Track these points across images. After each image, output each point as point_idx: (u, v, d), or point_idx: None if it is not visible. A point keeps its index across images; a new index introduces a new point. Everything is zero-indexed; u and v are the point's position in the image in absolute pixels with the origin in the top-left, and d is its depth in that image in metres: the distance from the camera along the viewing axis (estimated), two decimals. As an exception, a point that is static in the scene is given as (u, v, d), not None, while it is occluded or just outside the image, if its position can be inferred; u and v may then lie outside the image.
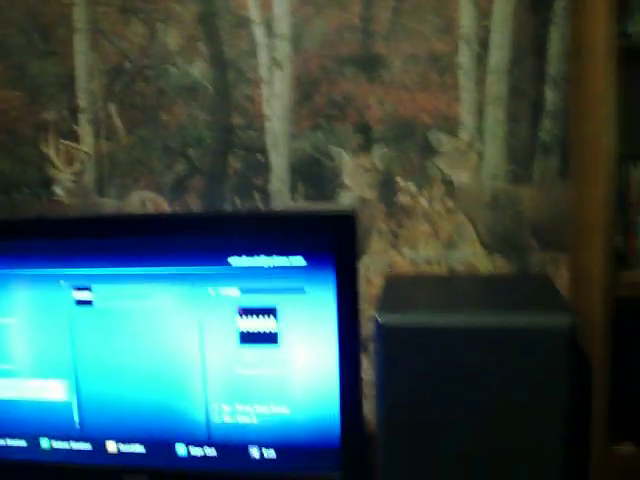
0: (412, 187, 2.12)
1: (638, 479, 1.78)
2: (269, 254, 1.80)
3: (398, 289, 1.91)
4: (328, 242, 1.78)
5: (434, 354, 1.63)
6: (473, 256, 2.15)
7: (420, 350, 1.63)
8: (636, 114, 1.97)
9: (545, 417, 1.63)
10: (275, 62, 2.11)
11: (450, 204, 2.13)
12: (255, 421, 1.86)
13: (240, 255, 1.80)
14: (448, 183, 2.12)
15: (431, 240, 2.15)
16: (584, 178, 1.85)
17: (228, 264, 1.80)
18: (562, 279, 2.11)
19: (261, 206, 2.16)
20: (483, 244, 2.14)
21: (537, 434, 1.64)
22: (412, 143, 2.11)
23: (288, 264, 1.80)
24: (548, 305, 1.69)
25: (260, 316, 1.83)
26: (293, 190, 2.15)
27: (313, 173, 2.14)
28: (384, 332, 1.65)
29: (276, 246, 1.80)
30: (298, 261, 1.80)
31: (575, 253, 2.01)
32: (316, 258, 1.80)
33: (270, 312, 1.83)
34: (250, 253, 1.81)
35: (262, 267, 1.80)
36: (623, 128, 1.91)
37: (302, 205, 2.14)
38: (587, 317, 1.81)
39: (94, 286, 1.88)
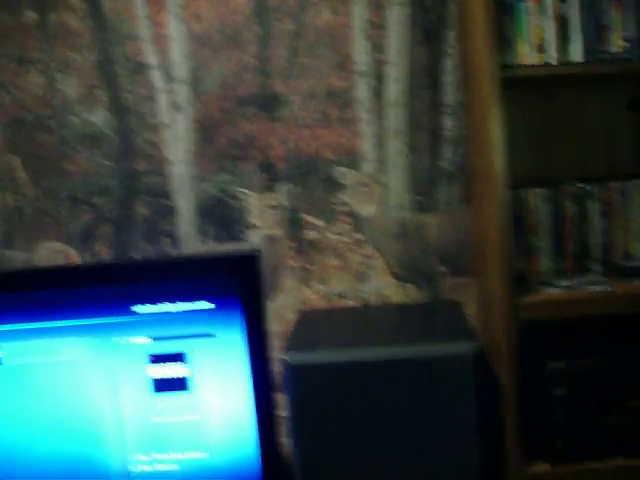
0: (319, 222, 2.15)
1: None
2: (174, 300, 1.80)
3: (308, 326, 1.92)
4: (233, 284, 1.79)
5: (343, 389, 1.64)
6: (385, 287, 2.18)
7: (330, 386, 1.64)
8: (531, 140, 2.04)
9: (458, 443, 1.65)
10: (175, 106, 2.12)
11: (358, 237, 2.16)
12: (175, 468, 1.85)
13: (145, 303, 1.79)
14: (355, 216, 2.15)
15: (342, 274, 2.17)
16: (481, 204, 1.90)
17: (134, 312, 1.79)
18: (472, 304, 2.15)
19: (171, 251, 2.16)
20: (393, 274, 2.17)
21: (451, 461, 1.66)
22: (316, 179, 2.14)
23: (195, 308, 1.80)
24: (454, 333, 1.71)
25: (171, 363, 1.83)
26: (202, 233, 2.16)
27: (221, 214, 2.16)
28: (292, 371, 1.66)
29: (181, 291, 1.80)
30: (204, 305, 1.80)
31: (480, 278, 2.06)
32: (222, 301, 1.81)
33: (180, 358, 1.82)
34: (155, 300, 1.80)
35: (169, 313, 1.80)
36: (519, 154, 1.98)
37: (212, 247, 2.15)
38: (494, 340, 1.84)
39: (2, 344, 1.85)
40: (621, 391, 1.78)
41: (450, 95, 2.12)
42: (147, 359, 1.82)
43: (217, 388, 1.83)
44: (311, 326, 1.93)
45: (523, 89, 2.04)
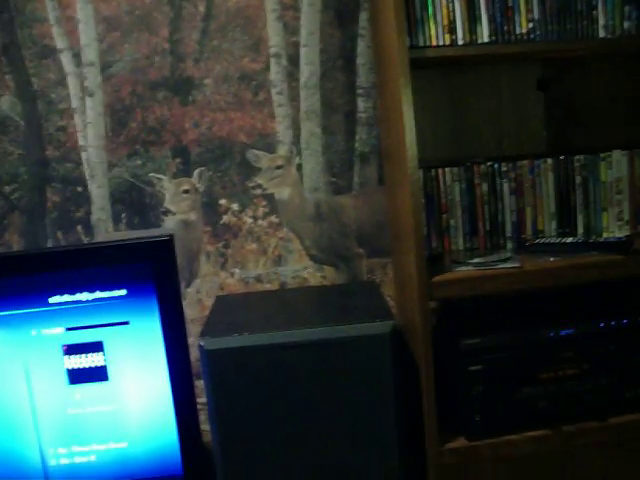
0: (235, 206, 2.14)
1: (473, 472, 1.83)
2: (88, 289, 1.77)
3: (225, 310, 1.91)
4: (147, 270, 1.77)
5: (260, 373, 1.64)
6: (302, 269, 2.18)
7: (246, 370, 1.64)
8: (447, 120, 2.06)
9: (377, 422, 1.68)
10: (85, 91, 2.08)
11: (275, 220, 2.15)
12: (94, 459, 1.82)
13: (58, 293, 1.76)
14: (271, 199, 2.14)
15: (260, 257, 2.17)
16: (395, 185, 1.92)
17: (47, 303, 1.76)
18: (390, 284, 2.17)
19: (84, 239, 2.12)
20: (310, 257, 2.17)
21: (372, 440, 1.68)
22: (231, 163, 2.12)
23: (109, 296, 1.77)
24: (370, 313, 1.72)
25: (86, 353, 1.80)
26: (116, 220, 2.13)
27: (135, 201, 2.13)
28: (208, 356, 1.65)
29: (95, 279, 1.78)
30: (119, 293, 1.78)
31: (396, 258, 2.08)
32: (136, 287, 1.79)
33: (96, 347, 1.80)
34: (69, 289, 1.77)
35: (83, 302, 1.77)
36: (435, 134, 2.01)
37: (126, 234, 2.11)
38: (410, 320, 1.87)
39: None
40: (534, 364, 1.82)
41: (364, 77, 2.13)
42: (62, 350, 1.78)
43: (135, 376, 1.81)
44: (228, 311, 1.92)
45: (437, 70, 2.06)
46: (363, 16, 2.11)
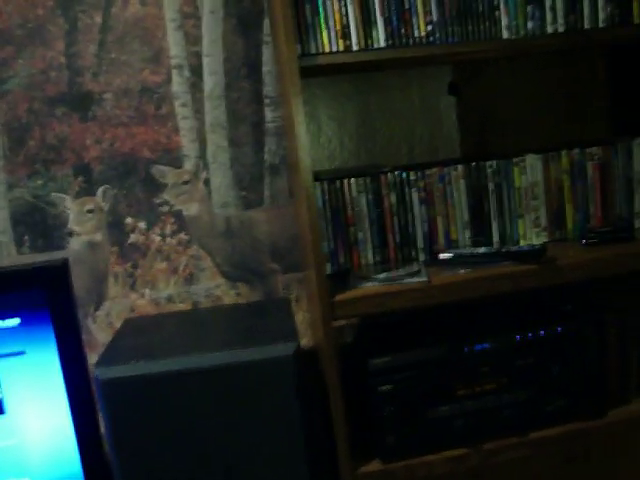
0: (142, 225, 2.01)
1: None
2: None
3: (128, 335, 1.79)
4: (42, 297, 1.64)
5: (160, 402, 1.53)
6: (215, 287, 2.05)
7: (145, 400, 1.53)
8: (356, 130, 1.95)
9: (285, 448, 1.57)
10: (-21, 109, 1.94)
11: (184, 237, 2.02)
12: (-4, 496, 1.69)
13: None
14: (179, 216, 2.01)
15: (170, 277, 2.04)
16: (297, 197, 1.80)
17: None
18: (304, 300, 2.05)
19: (-16, 263, 1.98)
20: (223, 274, 2.05)
21: (280, 467, 1.58)
22: (136, 180, 1.99)
23: (1, 326, 1.64)
24: (276, 335, 1.60)
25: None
26: (19, 243, 1.99)
27: (37, 222, 1.99)
28: (103, 386, 1.54)
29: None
30: (12, 322, 1.65)
31: (306, 273, 1.96)
32: (30, 315, 1.65)
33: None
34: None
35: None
36: (341, 144, 1.89)
37: (28, 258, 1.98)
38: (318, 339, 1.75)
39: None
40: (448, 382, 1.71)
41: (270, 86, 2.01)
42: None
43: (34, 409, 1.68)
44: (132, 335, 1.80)
45: (345, 76, 1.95)
46: (267, 23, 1.98)
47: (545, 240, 1.89)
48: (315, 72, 1.70)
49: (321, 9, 1.62)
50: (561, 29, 1.72)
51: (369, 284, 1.67)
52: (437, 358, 1.71)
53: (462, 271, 1.70)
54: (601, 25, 1.74)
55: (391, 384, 1.69)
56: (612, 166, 1.90)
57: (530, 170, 1.85)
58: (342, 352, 1.69)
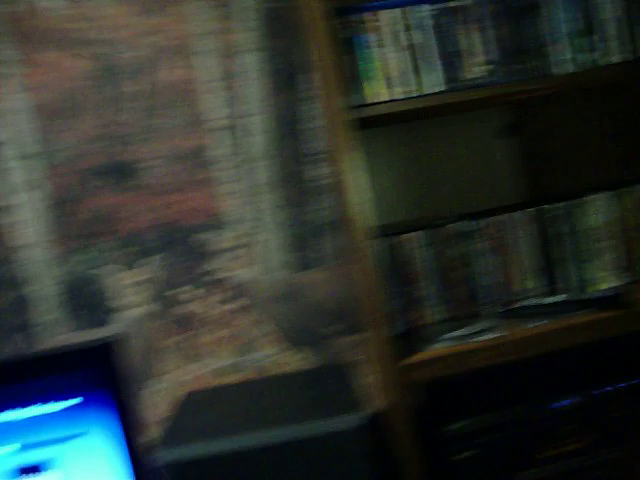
0: (200, 292, 1.92)
1: None
2: (35, 402, 1.57)
3: (188, 411, 1.69)
4: (99, 377, 1.56)
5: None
6: (276, 355, 1.95)
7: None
8: (406, 181, 1.85)
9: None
10: (27, 184, 1.89)
11: (240, 304, 1.93)
12: None
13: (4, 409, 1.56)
14: (234, 282, 1.92)
15: (227, 346, 1.94)
16: (353, 255, 1.70)
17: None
18: (367, 363, 1.94)
19: (28, 347, 1.91)
20: (284, 339, 1.94)
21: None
22: (185, 248, 1.92)
23: (59, 408, 1.57)
24: (340, 405, 1.50)
25: (39, 472, 1.59)
26: (72, 319, 1.92)
27: (85, 299, 1.92)
28: (167, 470, 1.44)
29: (42, 391, 1.57)
30: (69, 403, 1.57)
31: (369, 335, 1.85)
32: (88, 395, 1.57)
33: (49, 465, 1.59)
34: (16, 404, 1.57)
35: (32, 418, 1.56)
36: (394, 197, 1.79)
37: (79, 336, 1.91)
38: (390, 404, 1.63)
39: None
40: (529, 444, 1.57)
41: (317, 143, 1.91)
42: (14, 472, 1.58)
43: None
44: (191, 411, 1.70)
45: (395, 127, 1.85)
46: (309, 78, 1.90)
47: (623, 282, 1.74)
48: (370, 123, 1.60)
49: (373, 56, 1.53)
50: (618, 59, 1.60)
51: (440, 344, 1.55)
52: (517, 419, 1.58)
53: (537, 323, 1.57)
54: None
55: (469, 450, 1.56)
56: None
57: (602, 209, 1.72)
58: (413, 415, 1.55)
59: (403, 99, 1.55)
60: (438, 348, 1.54)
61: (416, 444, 1.53)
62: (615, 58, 1.61)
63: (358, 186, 1.48)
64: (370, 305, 1.50)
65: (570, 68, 1.60)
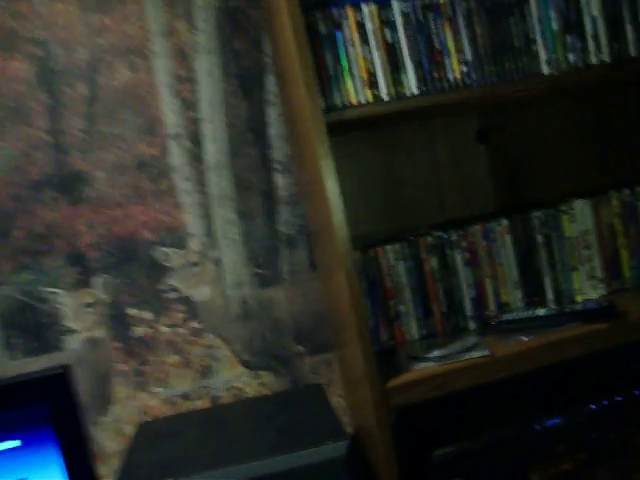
0: (148, 315, 1.75)
1: None
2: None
3: (146, 444, 1.52)
4: (40, 414, 1.37)
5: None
6: (235, 379, 1.79)
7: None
8: (380, 190, 1.72)
9: None
10: (-45, 201, 1.69)
11: (195, 325, 1.77)
12: None
13: None
14: (188, 302, 1.76)
15: (184, 371, 1.77)
16: (329, 270, 1.56)
17: None
18: (338, 383, 1.80)
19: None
20: (243, 363, 1.79)
21: None
22: (137, 265, 1.75)
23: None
24: (319, 433, 1.36)
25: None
26: (10, 347, 1.72)
27: (29, 322, 1.72)
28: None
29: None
30: (9, 444, 1.38)
31: (341, 353, 1.71)
32: (30, 434, 1.39)
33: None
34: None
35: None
36: (368, 207, 1.66)
37: (22, 364, 1.71)
38: (367, 428, 1.50)
39: None
40: (520, 463, 1.46)
41: (279, 149, 1.77)
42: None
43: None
44: (149, 444, 1.53)
45: (360, 132, 1.73)
46: (270, 80, 1.76)
47: (603, 292, 1.67)
48: (344, 127, 1.47)
49: (343, 56, 1.40)
50: (606, 59, 1.51)
51: (424, 364, 1.42)
52: (506, 441, 1.47)
53: (525, 338, 1.48)
54: (647, 52, 1.54)
55: (458, 477, 1.43)
56: (665, 204, 1.69)
57: (580, 217, 1.63)
58: (396, 441, 1.42)
59: (374, 102, 1.42)
60: (421, 368, 1.42)
61: (400, 472, 1.38)
62: (594, 59, 1.52)
63: (330, 195, 1.34)
64: (351, 323, 1.36)
65: (548, 70, 1.50)
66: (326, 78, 1.41)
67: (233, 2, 1.77)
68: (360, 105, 1.43)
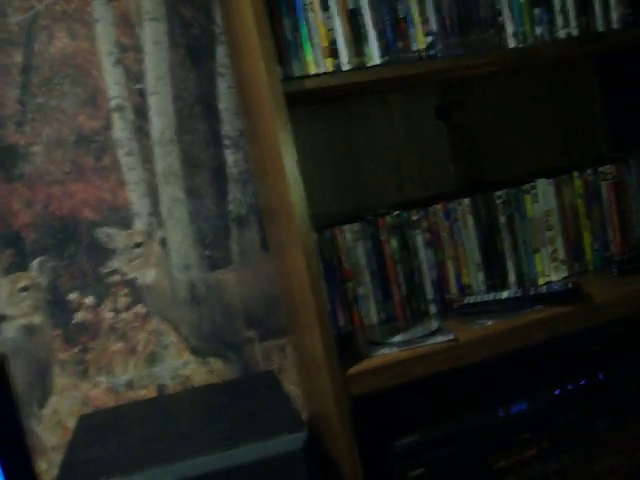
0: (90, 299, 1.63)
1: None
2: None
3: (88, 439, 1.41)
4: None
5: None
6: (183, 366, 1.68)
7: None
8: (337, 166, 1.63)
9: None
10: None
11: (141, 310, 1.65)
12: None
13: None
14: (133, 286, 1.64)
15: (129, 358, 1.66)
16: (284, 251, 1.46)
17: None
18: (291, 369, 1.70)
19: None
20: (191, 349, 1.68)
21: None
22: (78, 247, 1.62)
23: None
24: (274, 424, 1.26)
25: None
26: (-63, 335, 1.58)
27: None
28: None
29: None
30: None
31: (296, 338, 1.62)
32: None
33: None
34: None
35: None
36: (320, 184, 1.57)
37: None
38: (325, 418, 1.41)
39: None
40: (484, 453, 1.40)
41: (229, 124, 1.66)
42: None
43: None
44: (91, 439, 1.41)
45: (315, 106, 1.63)
46: (221, 51, 1.65)
47: (565, 274, 1.61)
48: (300, 100, 1.37)
49: (303, 23, 1.30)
50: (574, 33, 1.44)
51: (385, 350, 1.34)
52: (471, 429, 1.39)
53: (489, 322, 1.40)
54: (615, 27, 1.48)
55: (421, 467, 1.35)
56: (627, 184, 1.63)
57: (542, 197, 1.57)
58: (357, 431, 1.34)
59: (335, 72, 1.32)
60: (382, 355, 1.33)
61: (362, 463, 1.30)
62: (562, 33, 1.45)
63: (288, 171, 1.24)
64: (310, 307, 1.27)
65: (515, 43, 1.42)
66: (284, 46, 1.30)
67: (181, -34, 1.64)
68: (320, 75, 1.31)
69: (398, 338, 1.38)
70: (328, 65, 1.33)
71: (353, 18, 1.34)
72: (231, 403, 1.50)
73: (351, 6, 1.34)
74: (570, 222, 1.61)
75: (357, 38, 1.35)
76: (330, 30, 1.33)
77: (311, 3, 1.32)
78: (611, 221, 1.64)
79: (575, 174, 1.61)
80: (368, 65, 1.36)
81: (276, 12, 1.30)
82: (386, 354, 1.35)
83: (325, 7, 1.32)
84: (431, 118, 1.70)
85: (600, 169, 1.63)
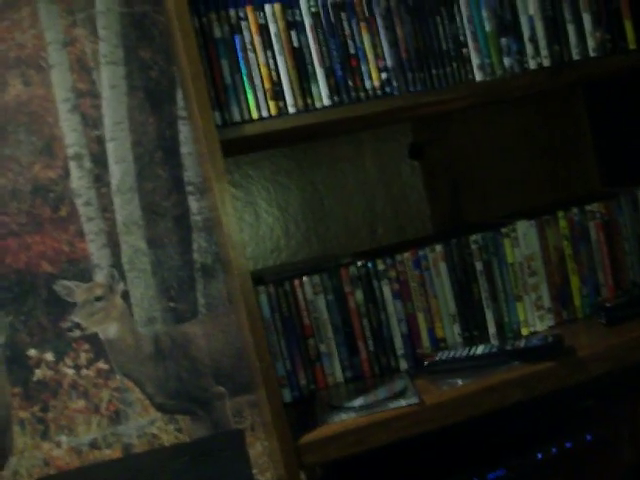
0: (49, 356, 1.50)
1: None
2: None
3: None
4: None
5: None
6: (150, 425, 1.54)
7: None
8: (305, 212, 1.48)
9: None
10: None
11: (103, 366, 1.52)
12: None
13: None
14: (94, 341, 1.51)
15: (92, 417, 1.53)
16: (237, 304, 1.32)
17: None
18: (259, 430, 1.55)
19: None
20: (158, 407, 1.54)
21: None
22: (37, 301, 1.50)
23: None
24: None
25: None
26: None
27: None
28: None
29: None
30: None
31: (257, 398, 1.47)
32: None
33: None
34: None
35: None
36: (286, 234, 1.42)
37: None
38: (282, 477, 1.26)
39: None
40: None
41: (192, 169, 1.53)
42: None
43: None
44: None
45: (277, 152, 1.49)
46: (182, 94, 1.52)
47: (551, 324, 1.43)
48: (242, 146, 1.24)
49: (242, 64, 1.16)
50: (546, 63, 1.28)
51: (343, 415, 1.18)
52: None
53: (460, 382, 1.23)
54: (592, 55, 1.31)
55: None
56: (619, 223, 1.46)
57: (523, 240, 1.40)
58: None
59: (279, 116, 1.18)
60: (340, 421, 1.17)
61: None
62: (532, 64, 1.29)
63: (233, 224, 1.10)
64: (257, 369, 1.12)
65: (482, 76, 1.26)
66: (223, 90, 1.16)
67: (138, 7, 1.53)
68: (262, 119, 1.17)
69: (359, 401, 1.23)
70: (272, 108, 1.19)
71: (298, 56, 1.19)
72: (194, 467, 1.36)
73: (295, 44, 1.19)
74: (555, 267, 1.44)
75: (303, 78, 1.20)
76: (273, 70, 1.18)
77: (251, 42, 1.17)
78: (601, 264, 1.47)
79: (560, 214, 1.43)
80: (317, 107, 1.20)
81: (213, 53, 1.16)
82: (343, 420, 1.19)
83: (267, 46, 1.18)
84: (404, 156, 1.54)
85: (588, 207, 1.45)
